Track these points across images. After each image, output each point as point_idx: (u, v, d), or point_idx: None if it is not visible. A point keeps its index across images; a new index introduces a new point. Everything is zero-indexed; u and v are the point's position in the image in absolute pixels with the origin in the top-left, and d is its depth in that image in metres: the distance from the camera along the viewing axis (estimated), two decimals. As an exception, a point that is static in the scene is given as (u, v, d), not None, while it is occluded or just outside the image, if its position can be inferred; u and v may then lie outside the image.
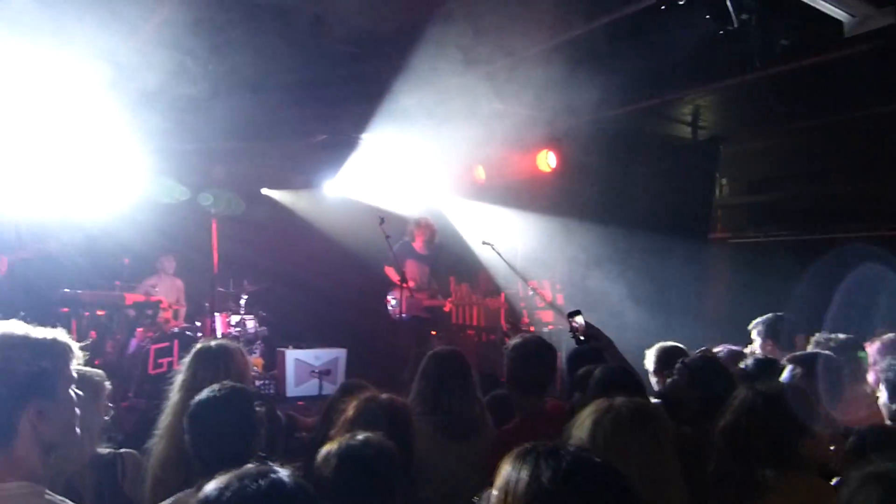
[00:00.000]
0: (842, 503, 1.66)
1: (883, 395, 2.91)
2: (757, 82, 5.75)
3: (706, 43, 5.28)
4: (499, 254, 7.67)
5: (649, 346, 3.92)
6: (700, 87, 6.18)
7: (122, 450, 2.70)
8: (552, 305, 8.08)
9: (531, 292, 7.97)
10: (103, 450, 2.64)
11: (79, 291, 6.20)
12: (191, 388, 2.78)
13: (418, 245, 7.54)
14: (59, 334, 1.77)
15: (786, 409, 2.18)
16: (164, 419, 2.78)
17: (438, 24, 5.23)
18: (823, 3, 4.12)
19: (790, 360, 3.16)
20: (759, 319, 4.57)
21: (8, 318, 1.81)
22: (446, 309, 7.98)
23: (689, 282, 7.03)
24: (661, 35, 5.20)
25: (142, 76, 5.29)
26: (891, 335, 3.80)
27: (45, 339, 1.69)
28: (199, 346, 3.05)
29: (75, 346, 1.83)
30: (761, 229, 7.91)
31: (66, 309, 6.14)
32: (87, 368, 2.83)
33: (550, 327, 7.57)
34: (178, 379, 2.96)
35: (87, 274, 6.83)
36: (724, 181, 8.17)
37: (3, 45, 4.71)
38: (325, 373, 7.05)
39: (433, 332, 8.13)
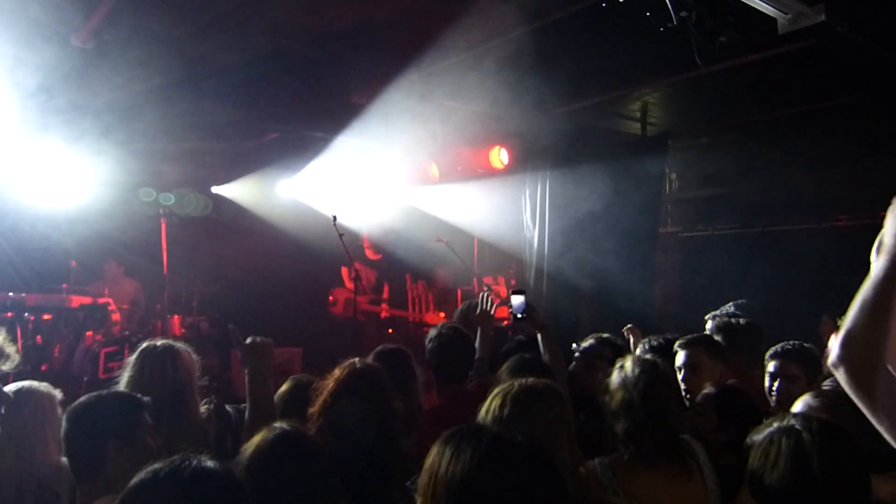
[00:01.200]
0: (753, 461, 1.73)
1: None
2: (701, 79, 5.87)
3: (652, 40, 5.40)
4: (453, 251, 7.72)
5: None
6: (647, 84, 6.29)
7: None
8: (506, 301, 8.14)
9: (486, 288, 8.01)
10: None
11: (22, 295, 6.04)
12: (137, 386, 2.76)
13: (368, 251, 7.64)
14: None
15: None
16: None
17: (387, 25, 5.24)
18: (757, 1, 4.23)
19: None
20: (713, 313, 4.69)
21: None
22: (382, 315, 8.04)
23: (642, 274, 7.15)
24: (608, 32, 5.29)
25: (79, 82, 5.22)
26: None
27: None
28: (144, 345, 3.03)
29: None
30: (709, 223, 8.10)
31: (9, 314, 5.98)
32: (33, 382, 2.79)
33: (506, 322, 7.62)
34: (124, 377, 2.94)
35: (30, 277, 6.68)
36: (673, 176, 8.35)
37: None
38: (281, 373, 6.98)
39: (390, 331, 8.15)
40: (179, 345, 3.08)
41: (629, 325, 4.54)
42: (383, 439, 2.47)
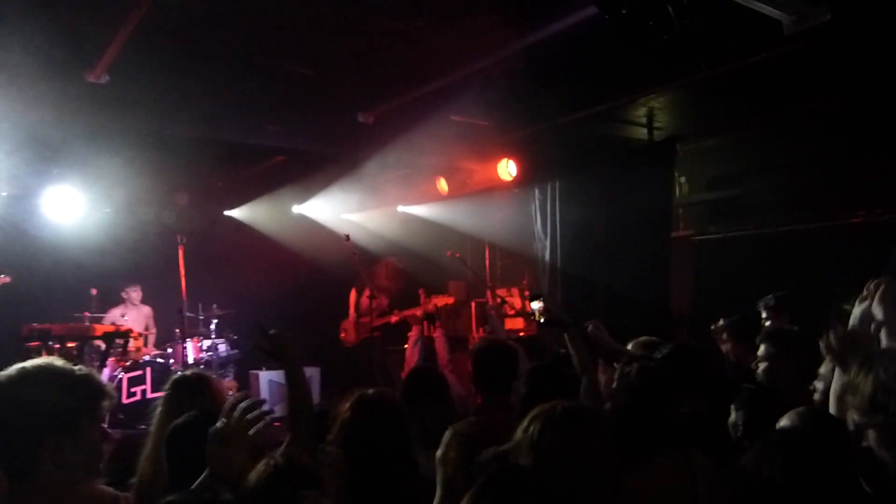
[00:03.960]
0: (747, 471, 1.73)
1: None
2: (706, 82, 5.90)
3: (654, 46, 5.43)
4: (466, 264, 7.77)
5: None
6: (652, 89, 6.31)
7: None
8: (522, 313, 8.17)
9: (500, 300, 8.05)
10: None
11: (48, 325, 6.14)
12: (173, 417, 2.79)
13: (380, 278, 7.67)
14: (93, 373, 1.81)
15: None
16: (148, 452, 2.79)
17: (391, 43, 5.32)
18: (760, 4, 4.25)
19: None
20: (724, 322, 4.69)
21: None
22: (392, 321, 8.06)
23: (656, 278, 7.14)
24: (610, 41, 5.33)
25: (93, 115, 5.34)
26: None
27: (75, 376, 1.73)
28: (176, 376, 3.08)
29: (110, 387, 1.86)
30: (722, 225, 8.07)
31: (36, 343, 6.08)
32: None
33: (521, 334, 7.65)
34: (159, 409, 2.96)
35: (53, 306, 6.80)
36: (682, 179, 8.34)
37: None
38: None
39: (404, 346, 8.19)
40: (207, 372, 3.16)
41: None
42: (401, 468, 2.46)
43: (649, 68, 5.92)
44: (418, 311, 7.91)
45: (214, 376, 3.11)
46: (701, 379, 3.11)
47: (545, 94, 6.45)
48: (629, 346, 3.79)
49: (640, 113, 7.07)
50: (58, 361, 1.76)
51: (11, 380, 1.62)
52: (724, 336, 4.58)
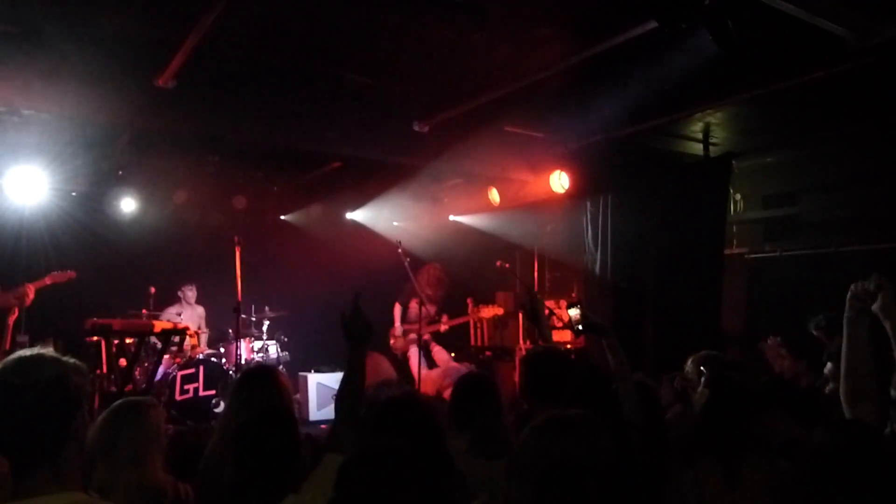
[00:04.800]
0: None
1: None
2: (765, 98, 5.83)
3: (713, 60, 5.38)
4: (515, 275, 7.77)
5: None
6: (709, 104, 6.24)
7: None
8: (570, 325, 8.12)
9: (548, 312, 8.02)
10: None
11: (110, 320, 6.35)
12: (244, 408, 2.87)
13: (423, 285, 7.70)
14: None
15: None
16: (214, 442, 2.87)
17: (450, 53, 5.40)
18: (822, 20, 4.19)
19: None
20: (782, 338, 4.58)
21: (40, 346, 1.94)
22: (442, 329, 8.07)
23: (707, 296, 7.04)
24: (668, 55, 5.31)
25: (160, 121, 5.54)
26: None
27: (71, 361, 1.76)
28: (246, 369, 3.17)
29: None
30: (777, 244, 7.92)
31: (96, 338, 6.30)
32: (145, 398, 2.96)
33: (569, 346, 7.61)
34: (227, 403, 3.05)
35: (113, 303, 7.05)
36: (737, 197, 8.21)
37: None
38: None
39: (451, 354, 8.22)
40: (275, 366, 3.24)
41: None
42: (432, 471, 2.37)
43: (707, 83, 5.88)
44: (468, 321, 7.98)
45: (282, 372, 3.18)
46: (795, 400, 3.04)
47: (600, 107, 6.45)
48: (688, 362, 3.77)
49: (697, 128, 7.01)
50: (46, 350, 1.77)
51: (32, 360, 1.66)
52: (784, 352, 4.48)
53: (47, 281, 5.66)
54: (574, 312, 3.58)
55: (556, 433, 1.90)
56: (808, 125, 6.86)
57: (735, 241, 8.24)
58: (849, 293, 2.49)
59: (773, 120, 6.74)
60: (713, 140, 7.30)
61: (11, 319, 6.84)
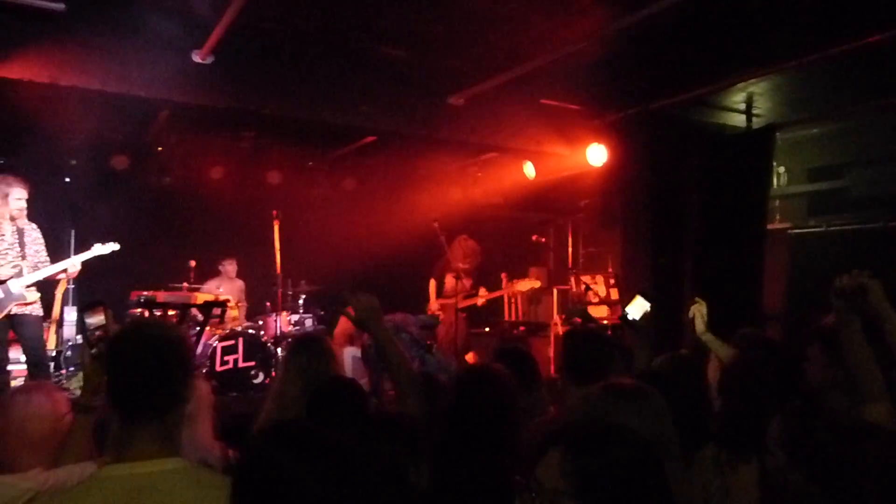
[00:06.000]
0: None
1: None
2: (813, 65, 5.64)
3: (758, 26, 5.22)
4: (551, 249, 7.72)
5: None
6: (752, 73, 6.07)
7: None
8: (607, 301, 8.07)
9: (584, 288, 7.97)
10: None
11: (154, 292, 6.48)
12: (295, 376, 2.94)
13: (457, 258, 7.67)
14: None
15: None
16: (268, 408, 2.93)
17: (486, 25, 5.33)
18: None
19: None
20: None
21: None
22: (480, 303, 8.04)
23: (748, 272, 6.91)
24: (709, 21, 5.16)
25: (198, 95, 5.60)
26: None
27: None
28: (299, 338, 3.24)
29: None
30: (822, 219, 7.72)
31: (140, 310, 6.45)
32: None
33: (606, 321, 7.56)
34: (281, 371, 3.10)
35: (155, 276, 7.21)
36: (781, 170, 8.01)
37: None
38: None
39: (486, 329, 8.24)
40: (322, 334, 3.30)
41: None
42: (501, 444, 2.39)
43: (750, 51, 5.71)
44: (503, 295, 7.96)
45: (328, 337, 3.24)
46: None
47: (638, 78, 6.33)
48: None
49: (739, 99, 6.84)
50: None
51: (158, 322, 1.75)
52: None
53: (92, 253, 5.80)
54: (640, 305, 3.53)
55: (615, 401, 1.90)
56: (857, 94, 6.63)
57: (778, 216, 8.06)
58: (833, 288, 2.42)
59: (820, 89, 6.53)
60: (756, 111, 7.12)
61: (59, 292, 7.07)
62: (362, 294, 2.59)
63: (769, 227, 7.40)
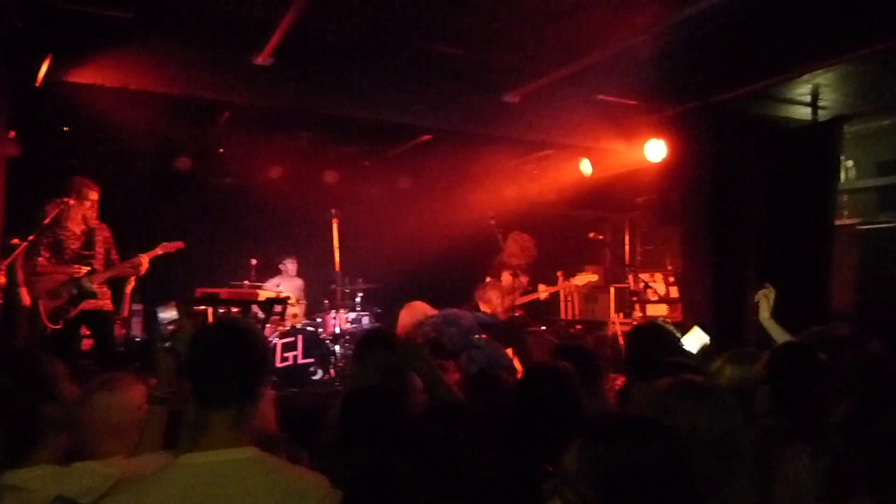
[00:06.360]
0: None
1: None
2: (882, 54, 5.42)
3: (824, 14, 5.05)
4: (608, 247, 7.63)
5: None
6: (818, 64, 5.86)
7: None
8: (666, 300, 7.92)
9: (643, 286, 7.84)
10: None
11: (218, 289, 6.64)
12: (366, 370, 3.00)
13: (513, 255, 7.59)
14: None
15: None
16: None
17: (541, 20, 5.30)
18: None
19: None
20: None
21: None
22: (542, 297, 7.93)
23: (815, 269, 6.69)
24: (772, 9, 5.01)
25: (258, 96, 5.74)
26: None
27: None
28: (371, 333, 3.33)
29: None
30: (894, 214, 7.41)
31: (204, 307, 6.62)
32: None
33: (667, 319, 7.42)
34: (360, 365, 3.12)
35: (217, 274, 7.41)
36: (849, 164, 7.72)
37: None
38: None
39: (543, 328, 8.17)
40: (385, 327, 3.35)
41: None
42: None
43: (815, 40, 5.52)
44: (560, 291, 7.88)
45: (390, 330, 3.29)
46: None
47: (698, 71, 6.19)
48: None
49: (804, 90, 6.62)
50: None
51: (241, 318, 1.83)
52: None
53: (158, 251, 5.97)
54: (699, 337, 3.46)
55: (682, 398, 1.88)
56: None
57: (846, 211, 7.77)
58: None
59: (891, 78, 6.27)
60: (822, 103, 6.88)
61: (129, 289, 7.33)
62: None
63: (837, 223, 7.15)
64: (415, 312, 5.33)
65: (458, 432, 2.14)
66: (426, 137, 7.59)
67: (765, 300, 3.84)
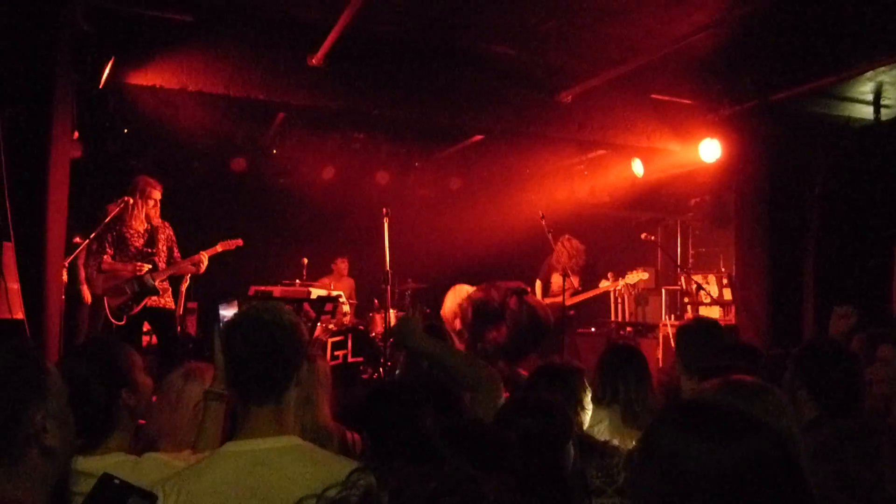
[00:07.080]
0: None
1: None
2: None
3: (887, 8, 4.90)
4: (660, 248, 7.53)
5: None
6: (882, 61, 5.68)
7: None
8: (719, 302, 7.78)
9: (696, 288, 7.71)
10: None
11: (271, 287, 6.77)
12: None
13: (563, 258, 7.53)
14: None
15: None
16: None
17: (595, 19, 5.27)
18: None
19: None
20: None
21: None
22: (606, 287, 7.82)
23: (877, 272, 6.49)
24: (833, 5, 4.89)
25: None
26: None
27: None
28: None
29: None
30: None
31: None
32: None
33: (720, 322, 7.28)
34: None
35: (271, 272, 7.56)
36: (915, 164, 7.46)
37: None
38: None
39: (592, 329, 8.11)
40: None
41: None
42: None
43: (878, 36, 5.36)
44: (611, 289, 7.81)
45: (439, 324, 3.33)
46: None
47: (756, 70, 6.07)
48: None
49: (866, 89, 6.43)
50: None
51: (275, 306, 1.84)
52: None
53: (218, 248, 6.12)
54: None
55: (733, 397, 1.84)
56: None
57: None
58: None
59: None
60: (885, 101, 6.68)
61: (184, 287, 7.53)
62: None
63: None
64: (458, 294, 5.40)
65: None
66: (478, 138, 7.61)
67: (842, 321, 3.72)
